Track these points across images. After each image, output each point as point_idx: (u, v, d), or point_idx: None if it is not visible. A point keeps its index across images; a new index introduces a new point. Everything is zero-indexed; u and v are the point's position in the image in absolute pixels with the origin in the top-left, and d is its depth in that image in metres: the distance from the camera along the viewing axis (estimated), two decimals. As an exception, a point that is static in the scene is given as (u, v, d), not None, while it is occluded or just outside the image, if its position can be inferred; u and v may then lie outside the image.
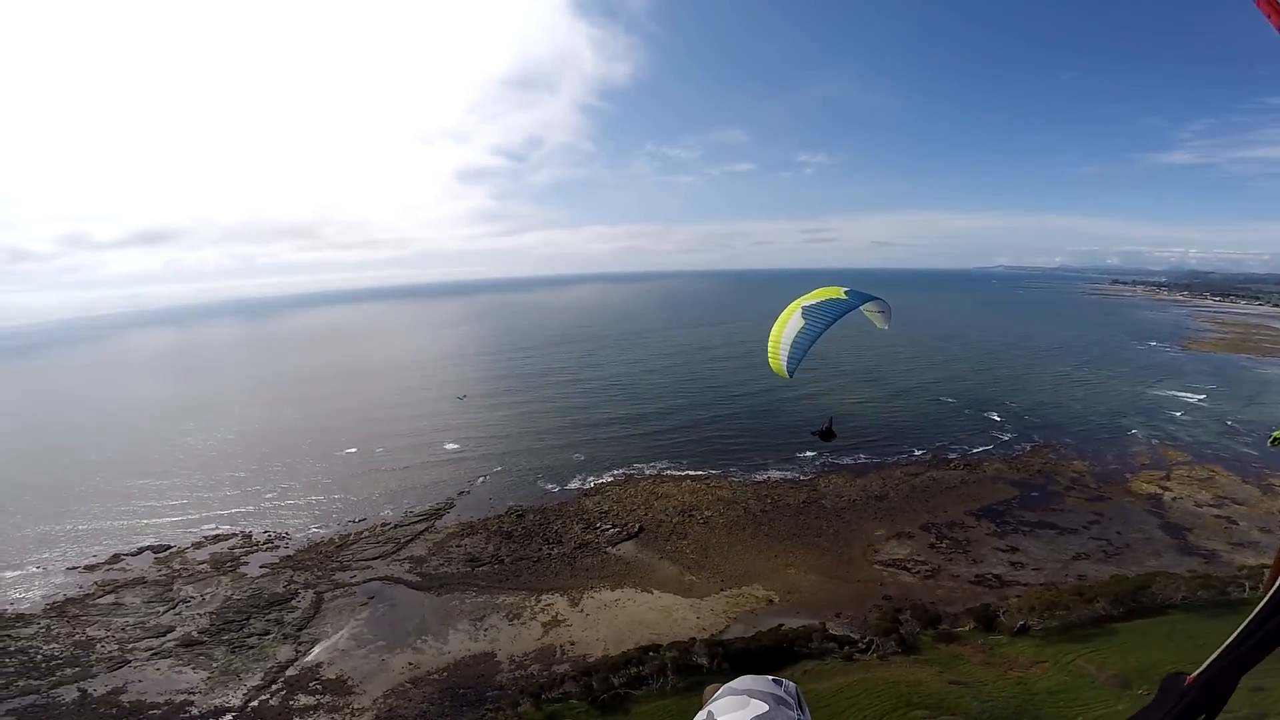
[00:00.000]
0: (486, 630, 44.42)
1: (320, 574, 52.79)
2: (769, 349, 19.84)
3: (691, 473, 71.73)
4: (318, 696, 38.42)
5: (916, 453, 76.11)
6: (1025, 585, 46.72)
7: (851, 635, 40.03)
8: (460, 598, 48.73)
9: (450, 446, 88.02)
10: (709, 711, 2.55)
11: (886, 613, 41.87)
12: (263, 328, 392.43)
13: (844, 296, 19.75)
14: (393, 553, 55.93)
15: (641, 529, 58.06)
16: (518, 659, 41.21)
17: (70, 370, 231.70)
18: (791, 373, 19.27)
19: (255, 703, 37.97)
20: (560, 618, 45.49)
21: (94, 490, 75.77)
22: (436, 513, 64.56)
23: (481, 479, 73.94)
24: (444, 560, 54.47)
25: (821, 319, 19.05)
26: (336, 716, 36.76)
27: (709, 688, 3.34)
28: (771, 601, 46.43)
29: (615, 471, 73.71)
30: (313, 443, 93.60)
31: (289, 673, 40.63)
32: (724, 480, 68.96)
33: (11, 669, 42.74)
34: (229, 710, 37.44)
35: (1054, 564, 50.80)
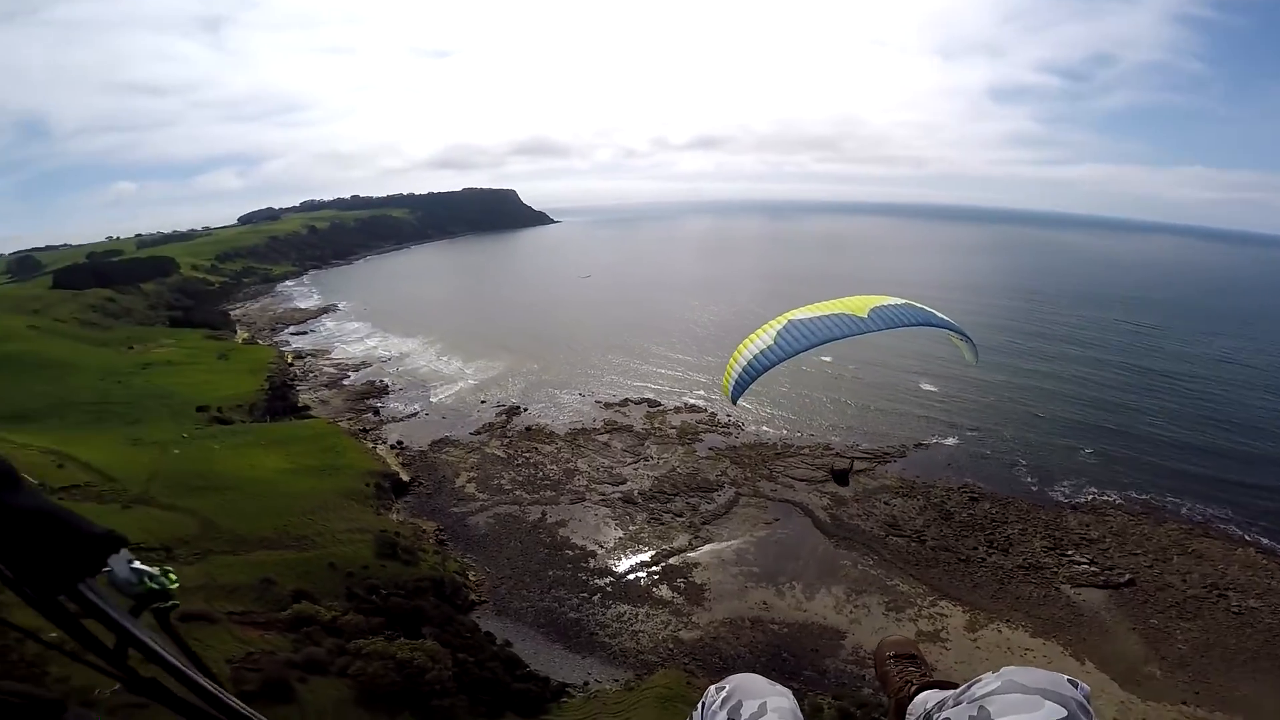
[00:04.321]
0: (855, 608, 38.44)
1: (749, 475, 53.92)
2: (729, 363, 14.74)
3: (1264, 541, 44.59)
4: (674, 594, 39.68)
5: None
6: None
7: None
8: (855, 560, 43.07)
9: (926, 387, 76.58)
10: (980, 706, 1.90)
11: None
12: (781, 226, 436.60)
13: (864, 315, 12.27)
14: (820, 481, 52.75)
15: (1131, 582, 39.94)
16: (862, 654, 34.57)
17: (649, 240, 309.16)
18: (735, 398, 14.24)
19: (631, 577, 41.30)
20: (943, 635, 36.02)
21: (628, 343, 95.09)
22: (882, 455, 57.59)
23: (950, 438, 61.76)
24: (863, 511, 48.56)
25: (799, 340, 12.63)
26: (674, 621, 37.45)
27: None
28: (1248, 754, 26.61)
29: (1133, 495, 51.05)
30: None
31: (671, 561, 42.72)
32: (1316, 567, 39.93)
33: (522, 478, 52.24)
34: (611, 574, 41.57)
35: None
